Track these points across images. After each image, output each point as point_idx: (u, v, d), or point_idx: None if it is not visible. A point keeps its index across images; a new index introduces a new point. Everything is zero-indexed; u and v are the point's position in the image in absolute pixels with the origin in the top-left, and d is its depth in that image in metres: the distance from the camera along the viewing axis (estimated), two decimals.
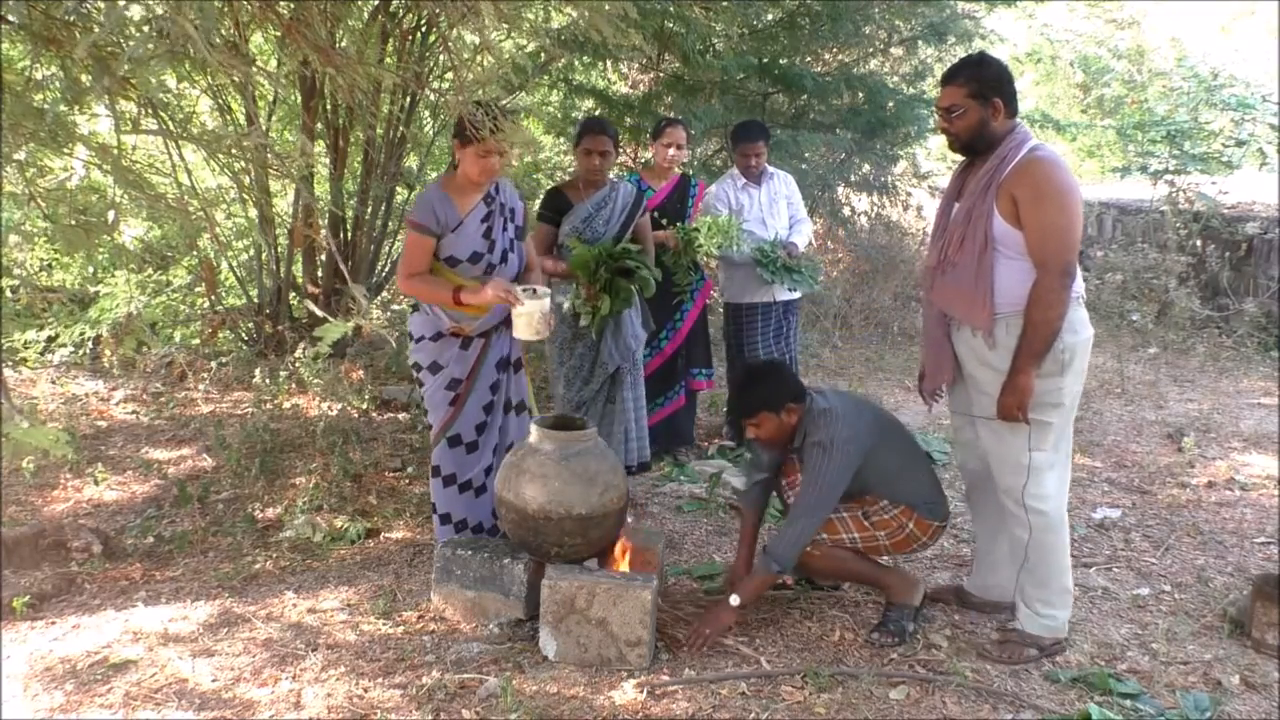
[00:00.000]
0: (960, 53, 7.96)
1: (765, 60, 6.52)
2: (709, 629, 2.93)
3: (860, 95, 6.95)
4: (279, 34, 3.16)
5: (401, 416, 5.11)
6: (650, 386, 4.39)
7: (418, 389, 3.42)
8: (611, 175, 4.11)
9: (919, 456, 3.10)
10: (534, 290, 3.11)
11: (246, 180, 5.05)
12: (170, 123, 3.51)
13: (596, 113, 7.01)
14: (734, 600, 2.92)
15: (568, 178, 4.56)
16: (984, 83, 2.73)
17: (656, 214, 4.34)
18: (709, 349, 4.79)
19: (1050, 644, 2.90)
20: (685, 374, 4.64)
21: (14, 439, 1.88)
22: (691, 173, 4.75)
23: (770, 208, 4.63)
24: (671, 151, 4.43)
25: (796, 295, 4.75)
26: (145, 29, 2.06)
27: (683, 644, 2.92)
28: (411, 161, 6.44)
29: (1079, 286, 2.77)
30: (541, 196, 4.04)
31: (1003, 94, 2.73)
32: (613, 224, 3.88)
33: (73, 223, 2.76)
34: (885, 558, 3.12)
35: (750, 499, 3.25)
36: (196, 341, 6.07)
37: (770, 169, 4.70)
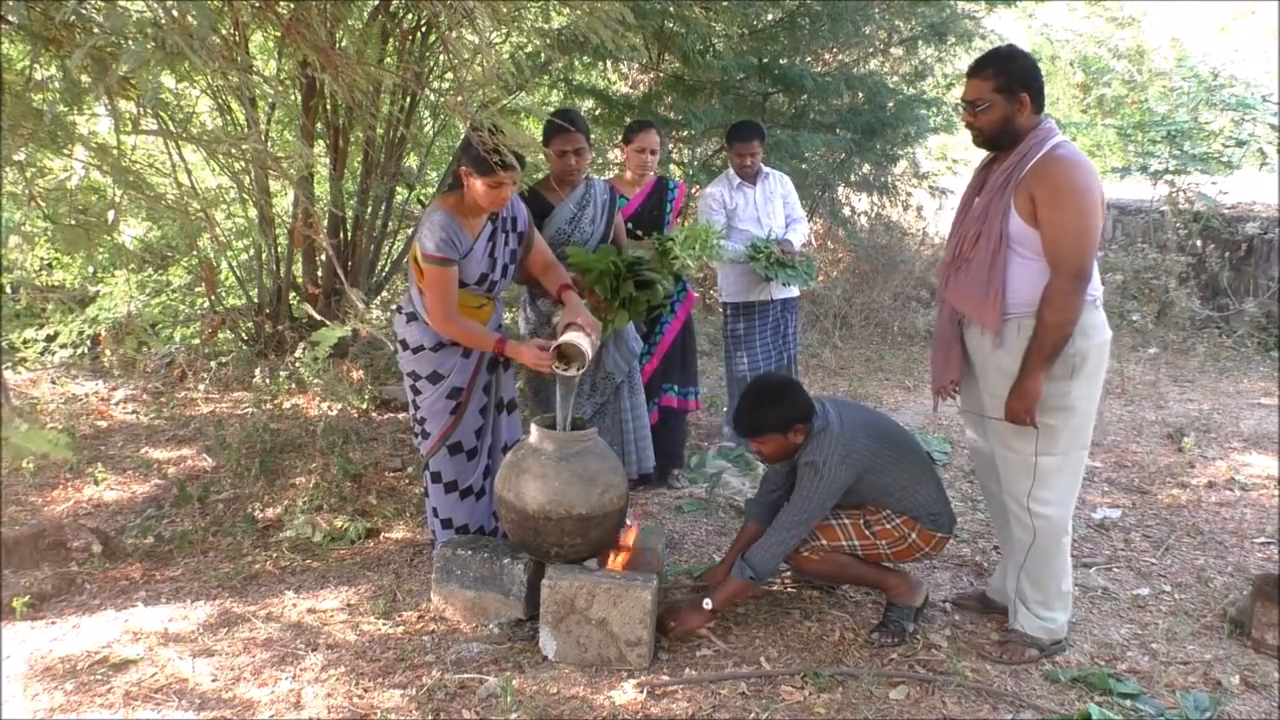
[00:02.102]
0: (960, 53, 7.99)
1: (765, 60, 6.52)
2: (676, 624, 2.94)
3: (860, 95, 6.95)
4: (279, 34, 3.16)
5: (401, 416, 5.11)
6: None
7: (413, 397, 3.32)
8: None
9: (925, 469, 3.04)
10: (570, 353, 2.96)
11: (246, 180, 5.05)
12: (170, 123, 3.51)
13: (597, 112, 7.00)
14: (706, 604, 2.92)
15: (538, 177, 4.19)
16: (1012, 76, 2.66)
17: (631, 224, 4.12)
18: (692, 366, 4.46)
19: (1050, 644, 2.89)
20: (658, 390, 4.35)
21: (14, 442, 1.88)
22: (667, 175, 4.55)
23: (765, 206, 4.62)
24: (646, 157, 4.17)
25: (795, 294, 4.74)
26: (144, 32, 2.06)
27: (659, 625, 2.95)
28: (411, 161, 6.44)
29: (1096, 289, 2.71)
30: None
31: (1030, 89, 2.67)
32: (598, 223, 3.71)
33: (73, 223, 2.76)
34: (886, 563, 3.11)
35: (755, 512, 3.22)
36: (196, 341, 6.07)
37: (766, 169, 4.68)
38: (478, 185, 2.97)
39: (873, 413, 3.22)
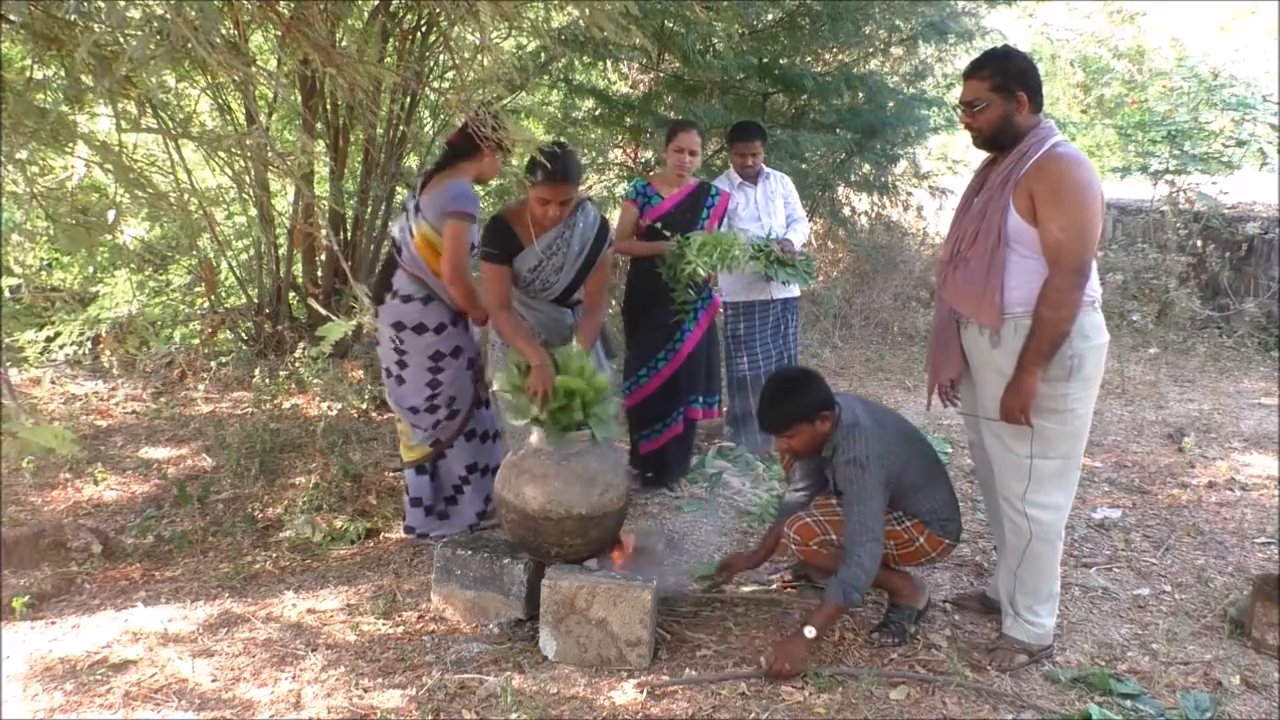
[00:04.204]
0: (961, 52, 7.98)
1: (765, 60, 6.53)
2: (788, 664, 2.75)
3: (860, 95, 6.95)
4: (279, 33, 3.16)
5: None
6: (644, 412, 4.17)
7: (432, 377, 3.43)
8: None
9: (939, 472, 3.04)
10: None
11: (246, 180, 5.05)
12: (170, 122, 3.51)
13: (597, 113, 7.00)
14: (809, 632, 2.77)
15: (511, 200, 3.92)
16: (1008, 75, 2.64)
17: (659, 224, 4.07)
18: (713, 374, 4.40)
19: (1038, 649, 2.89)
20: (684, 399, 4.26)
21: (20, 438, 1.88)
22: (711, 182, 4.35)
23: (766, 206, 4.60)
24: (684, 157, 4.11)
25: (795, 293, 4.73)
26: (146, 29, 2.06)
27: (763, 673, 2.78)
28: (411, 161, 6.44)
29: (1094, 290, 2.69)
30: (486, 229, 3.34)
31: (1027, 87, 2.65)
32: (566, 270, 3.35)
33: (73, 222, 2.76)
34: (891, 564, 3.10)
35: (789, 511, 3.19)
36: (196, 341, 6.07)
37: (767, 170, 4.67)
38: (495, 162, 3.31)
39: (895, 412, 3.21)
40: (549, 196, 3.16)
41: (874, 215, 8.64)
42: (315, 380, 5.15)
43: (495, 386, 3.44)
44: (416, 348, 3.37)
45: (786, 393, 2.90)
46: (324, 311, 3.17)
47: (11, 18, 2.22)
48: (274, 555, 3.57)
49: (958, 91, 2.82)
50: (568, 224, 3.30)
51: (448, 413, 3.45)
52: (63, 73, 2.42)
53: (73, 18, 2.17)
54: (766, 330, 4.67)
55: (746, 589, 3.33)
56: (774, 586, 3.36)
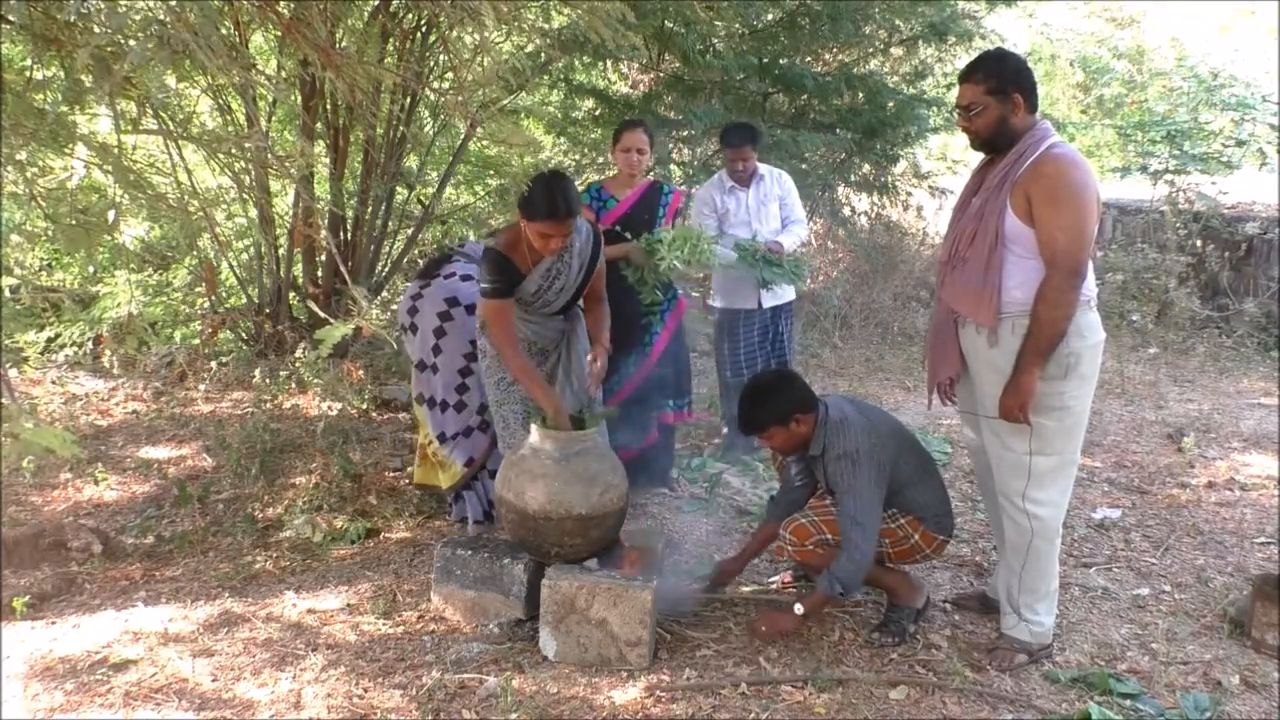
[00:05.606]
0: (960, 52, 7.98)
1: (765, 60, 6.53)
2: (766, 630, 2.92)
3: (860, 95, 6.95)
4: (279, 34, 3.16)
5: (402, 416, 5.11)
6: (617, 422, 3.85)
7: (466, 364, 3.59)
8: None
9: (931, 468, 3.07)
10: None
11: (246, 180, 5.05)
12: (170, 123, 3.51)
13: (597, 113, 6.98)
14: (798, 609, 2.87)
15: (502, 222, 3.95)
16: (1003, 78, 2.67)
17: (619, 227, 3.94)
18: (684, 376, 4.30)
19: (1038, 649, 2.89)
20: (658, 405, 4.17)
21: (21, 439, 1.88)
22: (664, 180, 4.24)
23: (758, 211, 4.47)
24: (632, 157, 3.97)
25: (789, 298, 4.62)
26: (147, 30, 2.06)
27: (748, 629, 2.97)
28: (411, 161, 6.44)
29: (1090, 290, 2.71)
30: (485, 263, 3.28)
31: (1022, 89, 2.67)
32: (568, 289, 3.36)
33: (73, 223, 2.76)
34: (887, 563, 3.11)
35: (774, 513, 3.22)
36: (197, 341, 6.07)
37: (763, 170, 4.52)
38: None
39: (884, 410, 3.23)
40: (552, 232, 3.09)
41: (874, 215, 8.63)
42: (315, 380, 5.15)
43: (492, 400, 3.45)
44: (460, 329, 3.46)
45: (760, 396, 2.94)
46: (321, 314, 3.16)
47: (11, 18, 2.22)
48: (274, 555, 3.57)
49: (957, 92, 2.83)
50: (566, 246, 3.26)
51: (479, 421, 3.49)
52: (63, 73, 2.42)
53: (73, 19, 2.17)
54: (753, 336, 4.57)
55: (746, 589, 3.34)
56: (774, 586, 3.36)
